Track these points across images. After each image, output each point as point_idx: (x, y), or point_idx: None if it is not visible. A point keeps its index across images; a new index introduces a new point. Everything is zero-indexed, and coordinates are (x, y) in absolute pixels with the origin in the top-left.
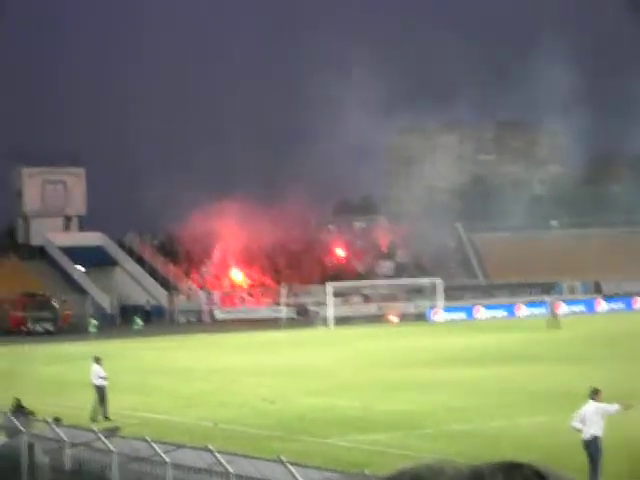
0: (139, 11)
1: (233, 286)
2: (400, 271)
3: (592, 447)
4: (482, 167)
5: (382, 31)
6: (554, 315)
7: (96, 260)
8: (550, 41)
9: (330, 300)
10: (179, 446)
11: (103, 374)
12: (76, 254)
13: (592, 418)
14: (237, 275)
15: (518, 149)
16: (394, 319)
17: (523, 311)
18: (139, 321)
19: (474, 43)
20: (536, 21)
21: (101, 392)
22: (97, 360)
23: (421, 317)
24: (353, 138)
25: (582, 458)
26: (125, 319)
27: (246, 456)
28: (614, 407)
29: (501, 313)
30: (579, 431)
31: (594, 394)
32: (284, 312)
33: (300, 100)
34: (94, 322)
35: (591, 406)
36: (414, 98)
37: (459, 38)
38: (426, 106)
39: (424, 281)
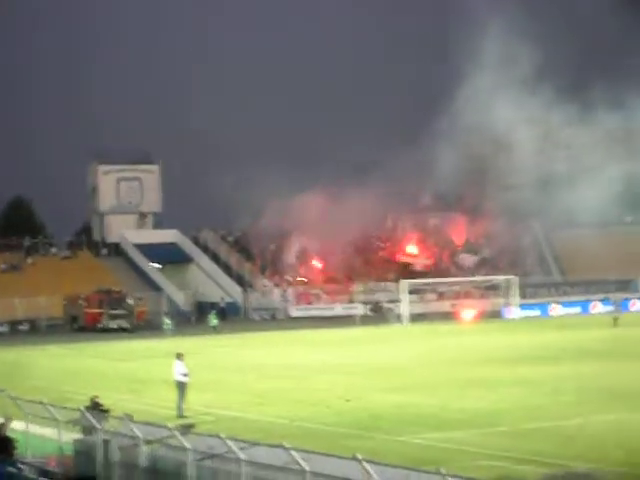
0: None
1: (308, 283)
2: (475, 268)
3: None
4: (558, 163)
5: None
6: (617, 312)
7: (171, 257)
8: None
9: (405, 297)
10: (254, 443)
11: (184, 370)
12: (151, 251)
13: None
14: (312, 272)
15: (594, 145)
16: (468, 316)
17: (598, 308)
18: (214, 319)
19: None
20: None
21: (182, 388)
22: (179, 356)
23: (496, 314)
24: (435, 135)
25: None
26: (200, 316)
27: (322, 454)
28: None
29: (576, 310)
30: None
31: None
32: (359, 309)
33: (388, 92)
34: (167, 320)
35: None
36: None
37: None
38: (508, 100)
39: (499, 278)
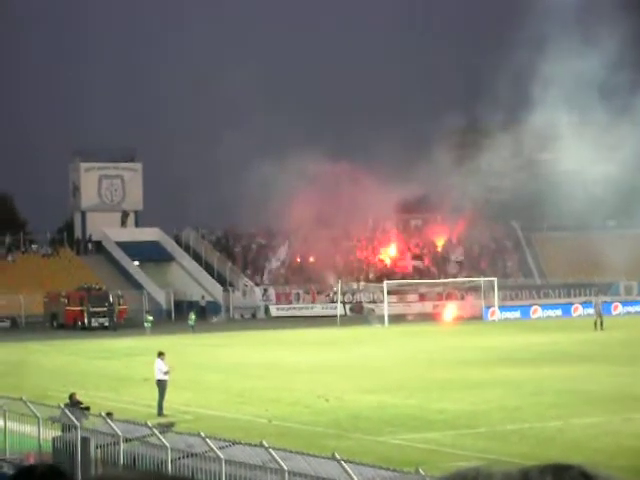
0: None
1: (289, 283)
2: (456, 270)
3: None
4: (539, 166)
5: None
6: (599, 315)
7: (152, 255)
8: None
9: (385, 298)
10: (234, 442)
11: (166, 369)
12: (132, 249)
13: None
14: (294, 271)
15: (574, 147)
16: (449, 318)
17: (579, 311)
18: (193, 317)
19: None
20: None
21: (162, 386)
22: (160, 354)
23: (477, 316)
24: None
25: (636, 460)
26: (180, 315)
27: (300, 453)
28: None
29: (557, 313)
30: None
31: None
32: (339, 309)
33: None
34: (149, 317)
35: None
36: (471, 96)
37: None
38: (484, 105)
39: (480, 280)
